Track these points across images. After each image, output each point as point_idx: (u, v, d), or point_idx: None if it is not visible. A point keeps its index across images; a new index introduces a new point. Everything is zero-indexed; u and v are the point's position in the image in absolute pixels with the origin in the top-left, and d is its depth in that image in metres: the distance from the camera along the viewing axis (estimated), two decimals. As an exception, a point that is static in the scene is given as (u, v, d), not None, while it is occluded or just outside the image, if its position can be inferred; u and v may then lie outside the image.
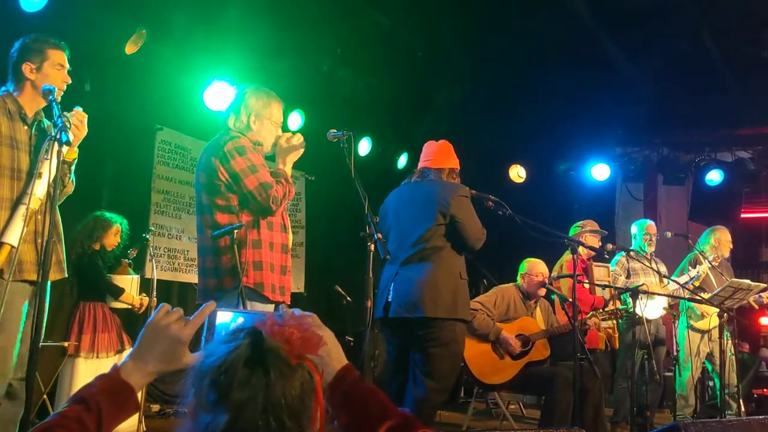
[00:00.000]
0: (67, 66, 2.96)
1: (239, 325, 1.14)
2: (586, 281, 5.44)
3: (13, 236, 2.68)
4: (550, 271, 5.22)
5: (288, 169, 3.13)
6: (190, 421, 1.08)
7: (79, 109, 2.85)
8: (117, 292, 4.63)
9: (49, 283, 2.60)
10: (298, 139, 3.17)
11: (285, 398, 1.05)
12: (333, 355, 1.30)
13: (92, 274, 4.62)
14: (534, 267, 4.92)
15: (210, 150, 3.04)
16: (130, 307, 4.70)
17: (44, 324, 2.73)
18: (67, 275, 3.02)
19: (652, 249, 5.91)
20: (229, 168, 2.94)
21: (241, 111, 3.13)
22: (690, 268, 5.83)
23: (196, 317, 1.30)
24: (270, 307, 3.02)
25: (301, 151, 3.19)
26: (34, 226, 2.80)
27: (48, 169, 2.65)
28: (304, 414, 1.07)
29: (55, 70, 2.89)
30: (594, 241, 5.62)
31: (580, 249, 5.27)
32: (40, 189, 2.72)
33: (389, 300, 3.61)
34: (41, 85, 2.84)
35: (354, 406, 1.29)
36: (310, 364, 1.11)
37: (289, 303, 3.09)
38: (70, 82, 2.95)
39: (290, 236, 3.19)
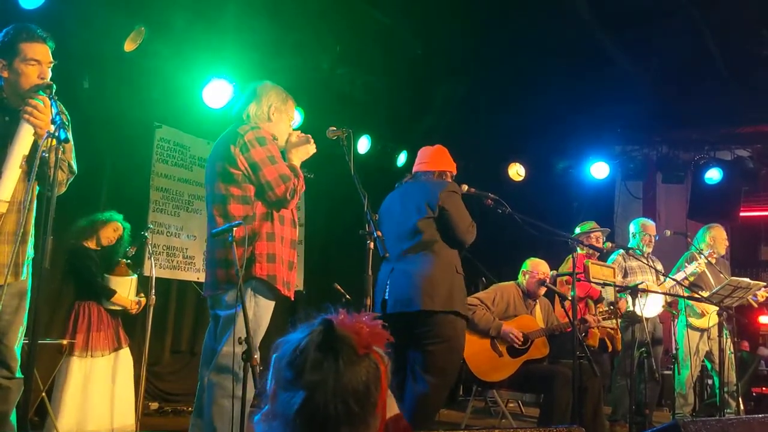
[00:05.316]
0: (49, 59, 2.60)
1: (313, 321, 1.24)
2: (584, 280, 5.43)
3: None
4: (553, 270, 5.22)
5: (298, 165, 3.14)
6: (271, 402, 1.20)
7: (43, 95, 2.51)
8: (109, 294, 4.56)
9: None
10: (309, 138, 3.19)
11: (352, 384, 1.14)
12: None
13: (84, 276, 4.58)
14: (537, 266, 4.93)
15: (228, 139, 3.01)
16: (123, 308, 4.67)
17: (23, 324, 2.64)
18: (23, 278, 2.68)
19: (650, 250, 5.86)
20: (249, 157, 2.94)
21: (262, 102, 3.15)
22: (686, 265, 5.83)
23: None
24: (271, 305, 2.99)
25: (311, 150, 3.20)
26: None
27: (8, 170, 2.44)
28: (368, 401, 1.16)
29: (27, 66, 2.55)
30: (599, 243, 5.61)
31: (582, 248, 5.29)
32: (3, 191, 2.44)
33: (386, 297, 3.61)
34: (16, 83, 2.57)
35: None
36: (377, 355, 1.19)
37: (293, 299, 3.09)
38: (47, 78, 2.58)
39: (297, 232, 3.19)
